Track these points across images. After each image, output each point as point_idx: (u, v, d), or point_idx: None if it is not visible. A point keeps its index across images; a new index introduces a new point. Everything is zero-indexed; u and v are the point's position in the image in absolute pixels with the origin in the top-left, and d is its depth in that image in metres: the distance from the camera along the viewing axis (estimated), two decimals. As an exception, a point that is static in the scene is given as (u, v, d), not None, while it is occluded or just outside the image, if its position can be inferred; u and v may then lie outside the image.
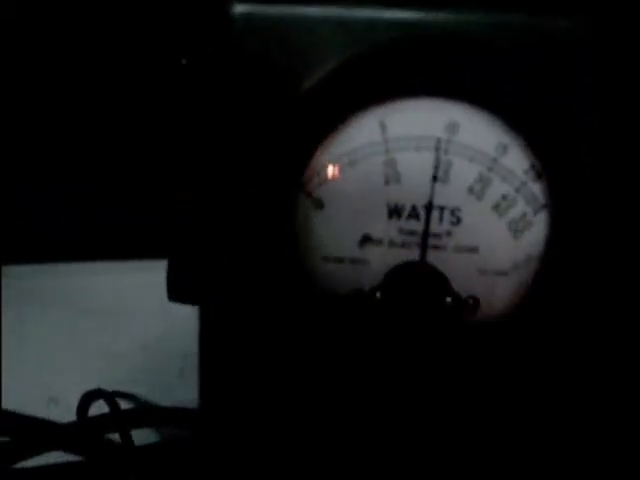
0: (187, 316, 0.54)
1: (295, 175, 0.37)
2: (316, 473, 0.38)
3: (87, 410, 0.52)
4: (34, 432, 0.51)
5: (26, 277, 0.58)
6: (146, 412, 0.54)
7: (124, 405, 0.54)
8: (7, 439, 0.49)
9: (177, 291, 0.39)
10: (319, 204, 0.37)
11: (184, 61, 0.37)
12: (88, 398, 0.53)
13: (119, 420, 0.52)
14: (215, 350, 0.38)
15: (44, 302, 0.57)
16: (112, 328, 0.57)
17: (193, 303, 0.40)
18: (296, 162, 0.37)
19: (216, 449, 0.40)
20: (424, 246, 0.37)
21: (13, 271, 0.57)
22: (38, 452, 0.50)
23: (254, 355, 0.38)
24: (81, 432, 0.51)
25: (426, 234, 0.37)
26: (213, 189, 0.37)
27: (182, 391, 0.55)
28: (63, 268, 0.57)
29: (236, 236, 0.37)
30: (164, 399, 0.55)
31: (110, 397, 0.52)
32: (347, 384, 0.38)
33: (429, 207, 0.37)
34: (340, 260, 0.38)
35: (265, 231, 0.37)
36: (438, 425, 0.38)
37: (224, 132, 0.36)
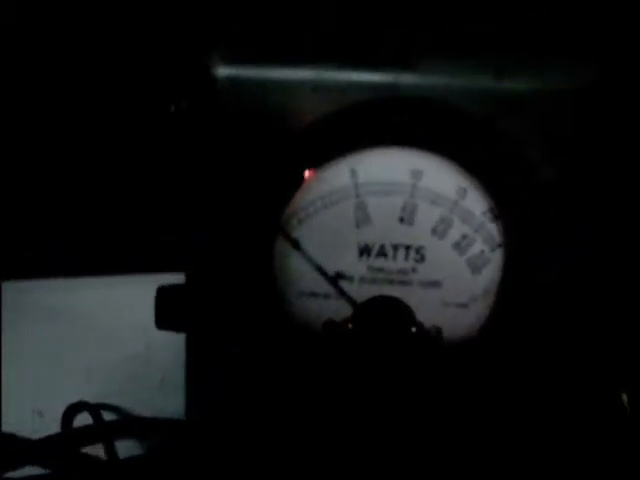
0: (167, 333, 0.57)
1: (274, 218, 0.40)
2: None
3: (71, 422, 0.55)
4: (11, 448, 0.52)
5: (10, 293, 0.60)
6: (129, 423, 0.57)
7: (107, 417, 0.56)
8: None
9: (164, 321, 0.42)
10: (296, 244, 0.41)
11: (172, 108, 0.40)
12: (72, 410, 0.55)
13: (102, 431, 0.54)
14: (200, 372, 0.41)
15: (28, 317, 0.59)
16: (95, 343, 0.59)
17: (178, 330, 0.43)
18: (275, 206, 0.40)
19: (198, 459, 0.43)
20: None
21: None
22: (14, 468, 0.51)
23: (236, 379, 0.41)
24: (59, 447, 0.53)
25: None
26: (199, 231, 0.40)
27: (162, 403, 0.58)
28: (47, 284, 0.59)
29: (220, 273, 0.40)
30: (145, 410, 0.58)
31: (94, 409, 0.55)
32: (322, 405, 0.41)
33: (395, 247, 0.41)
34: (315, 295, 0.41)
35: (246, 268, 0.40)
36: (406, 437, 0.42)
37: (208, 178, 0.39)
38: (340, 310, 0.41)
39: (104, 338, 0.61)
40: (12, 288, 0.61)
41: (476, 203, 0.41)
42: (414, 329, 0.41)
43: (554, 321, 0.41)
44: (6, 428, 0.56)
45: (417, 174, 0.40)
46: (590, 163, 0.38)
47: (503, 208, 0.40)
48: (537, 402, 0.42)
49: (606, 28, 0.38)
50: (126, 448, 0.55)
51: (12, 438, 0.52)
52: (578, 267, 0.41)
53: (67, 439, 0.52)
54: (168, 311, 0.43)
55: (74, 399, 0.56)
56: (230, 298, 0.40)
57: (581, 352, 0.42)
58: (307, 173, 0.40)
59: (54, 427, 0.54)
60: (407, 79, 0.38)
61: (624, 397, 0.45)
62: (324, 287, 0.41)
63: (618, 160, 0.38)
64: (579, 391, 0.42)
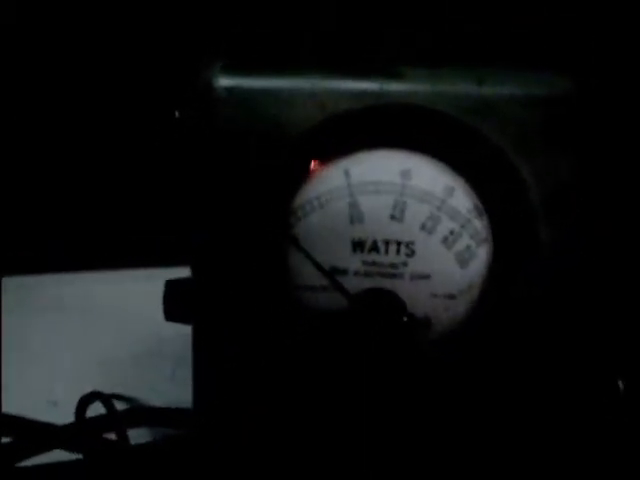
0: (178, 325, 0.60)
1: (277, 217, 0.43)
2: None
3: (85, 412, 0.57)
4: (35, 433, 0.55)
5: (27, 287, 0.63)
6: (140, 412, 0.59)
7: (119, 407, 0.59)
8: (9, 440, 0.54)
9: (172, 313, 0.46)
10: (294, 241, 0.44)
11: (177, 114, 0.42)
12: (86, 400, 0.58)
13: (115, 420, 0.57)
14: (207, 360, 0.44)
15: (44, 311, 0.62)
16: (109, 335, 0.62)
17: (186, 322, 0.46)
18: (277, 206, 0.43)
19: (208, 447, 0.46)
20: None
21: (14, 281, 0.62)
22: (38, 452, 0.54)
23: (243, 365, 0.44)
24: (79, 432, 0.56)
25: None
26: (203, 229, 0.43)
27: (173, 393, 0.61)
28: (61, 278, 0.63)
29: (223, 269, 0.43)
30: (156, 401, 0.61)
31: (106, 399, 0.58)
32: (322, 387, 0.44)
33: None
34: (312, 288, 0.44)
35: (252, 263, 0.43)
36: (398, 418, 0.45)
37: (211, 182, 0.42)
38: (336, 302, 0.44)
39: (117, 330, 0.64)
40: (24, 282, 0.64)
41: (462, 201, 0.43)
42: (405, 318, 0.44)
43: (548, 308, 0.44)
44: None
45: (406, 174, 0.43)
46: (561, 163, 0.41)
47: (488, 205, 0.43)
48: (530, 388, 0.45)
49: (578, 45, 0.41)
50: (138, 437, 0.58)
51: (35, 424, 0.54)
52: (568, 259, 0.43)
53: (83, 427, 0.55)
54: (175, 304, 0.46)
55: (87, 390, 0.58)
56: (233, 292, 0.43)
57: (577, 338, 0.44)
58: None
59: (68, 417, 0.57)
60: (394, 87, 0.41)
61: (620, 384, 0.48)
62: (321, 280, 0.44)
63: (588, 161, 0.41)
64: (575, 378, 0.45)
